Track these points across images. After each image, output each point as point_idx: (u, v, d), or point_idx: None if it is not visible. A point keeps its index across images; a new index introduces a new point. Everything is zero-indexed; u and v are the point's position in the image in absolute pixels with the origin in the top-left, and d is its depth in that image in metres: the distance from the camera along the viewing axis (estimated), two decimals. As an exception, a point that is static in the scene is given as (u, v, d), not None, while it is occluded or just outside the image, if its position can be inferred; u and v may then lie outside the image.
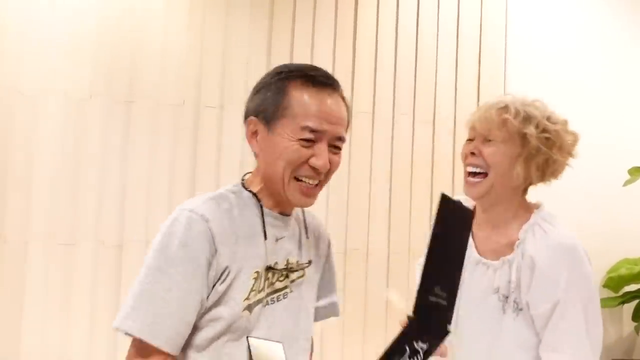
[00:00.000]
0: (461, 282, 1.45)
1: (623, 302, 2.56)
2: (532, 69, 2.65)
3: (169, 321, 1.01)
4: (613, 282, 2.57)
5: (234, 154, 2.30)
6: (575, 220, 2.61)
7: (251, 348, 1.00)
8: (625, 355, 2.72)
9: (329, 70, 2.49)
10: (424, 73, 2.51)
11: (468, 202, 1.52)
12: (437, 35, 2.52)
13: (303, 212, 1.27)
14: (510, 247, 1.41)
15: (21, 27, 2.14)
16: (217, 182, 2.29)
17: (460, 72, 2.54)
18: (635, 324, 2.52)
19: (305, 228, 1.25)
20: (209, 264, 1.04)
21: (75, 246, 2.16)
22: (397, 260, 2.45)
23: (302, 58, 2.38)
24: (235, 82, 2.33)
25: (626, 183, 2.29)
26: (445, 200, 0.81)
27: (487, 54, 2.56)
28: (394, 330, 2.59)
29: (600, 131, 2.69)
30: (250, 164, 2.30)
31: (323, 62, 2.40)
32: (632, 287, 2.58)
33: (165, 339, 1.00)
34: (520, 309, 1.37)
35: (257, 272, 1.10)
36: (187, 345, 1.05)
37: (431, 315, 0.79)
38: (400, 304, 2.37)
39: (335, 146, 1.10)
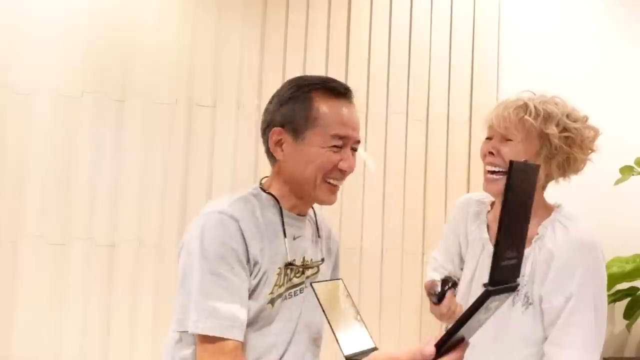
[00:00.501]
0: (475, 271, 1.47)
1: (615, 300, 2.57)
2: (525, 68, 2.66)
3: (235, 315, 1.09)
4: (605, 280, 2.59)
5: (227, 152, 2.29)
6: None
7: (317, 292, 1.13)
8: (617, 352, 2.74)
9: (323, 70, 2.49)
10: (417, 72, 2.51)
11: (487, 199, 1.55)
12: (430, 34, 2.52)
13: (315, 213, 1.38)
14: (527, 241, 1.41)
15: (13, 25, 2.13)
16: (209, 180, 2.28)
17: (453, 70, 2.54)
18: (627, 321, 2.54)
19: (317, 228, 1.37)
20: (246, 259, 1.13)
21: (67, 246, 2.15)
22: (391, 258, 2.45)
23: (295, 57, 2.38)
24: (227, 81, 2.32)
25: (617, 182, 2.30)
26: (515, 167, 0.80)
27: (480, 52, 2.57)
28: (389, 327, 2.55)
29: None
30: (242, 162, 2.31)
31: (316, 62, 2.40)
32: (624, 285, 2.60)
33: (237, 331, 1.09)
34: (530, 303, 1.37)
35: (280, 268, 1.20)
36: None
37: (503, 277, 0.82)
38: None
39: (353, 149, 1.23)
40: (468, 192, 2.50)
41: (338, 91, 1.21)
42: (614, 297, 2.56)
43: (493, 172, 1.40)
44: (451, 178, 2.49)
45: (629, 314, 2.52)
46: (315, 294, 1.15)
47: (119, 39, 2.23)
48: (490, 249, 1.47)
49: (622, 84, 2.78)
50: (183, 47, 2.29)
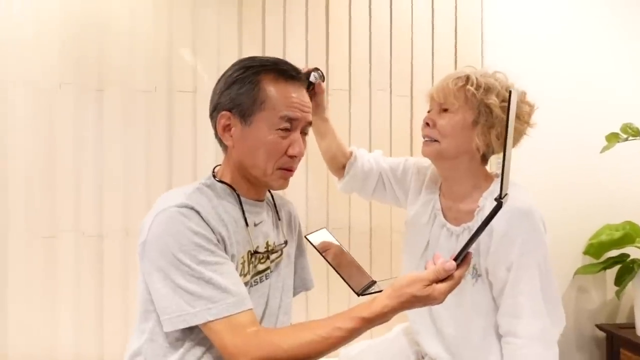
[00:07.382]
0: (428, 241, 1.51)
1: (605, 268, 2.58)
2: (509, 40, 2.63)
3: (236, 289, 1.07)
4: (593, 249, 2.60)
5: (210, 138, 2.25)
6: (556, 188, 2.63)
7: (313, 243, 1.20)
8: (609, 319, 2.76)
9: (303, 49, 2.45)
10: (399, 48, 2.48)
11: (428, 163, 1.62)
12: (412, 9, 2.49)
13: (271, 194, 1.35)
14: (470, 214, 1.43)
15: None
16: (194, 167, 2.26)
17: (437, 46, 2.51)
18: (617, 288, 2.55)
19: (276, 210, 1.34)
20: (218, 243, 1.11)
21: (56, 238, 2.14)
22: (379, 237, 2.45)
23: (274, 36, 2.34)
24: (207, 65, 2.29)
25: (603, 149, 2.29)
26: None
27: (464, 27, 2.53)
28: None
29: (577, 98, 2.69)
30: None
31: (296, 40, 2.37)
32: (614, 253, 2.61)
33: (246, 301, 1.08)
34: (479, 275, 1.39)
35: (243, 257, 1.17)
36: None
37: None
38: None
39: (304, 132, 1.21)
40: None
41: (288, 74, 1.17)
42: (605, 265, 2.58)
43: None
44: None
45: (619, 281, 2.53)
46: (312, 245, 1.20)
47: (93, 27, 2.18)
48: (440, 219, 1.50)
49: (606, 53, 2.76)
50: (159, 32, 2.25)
